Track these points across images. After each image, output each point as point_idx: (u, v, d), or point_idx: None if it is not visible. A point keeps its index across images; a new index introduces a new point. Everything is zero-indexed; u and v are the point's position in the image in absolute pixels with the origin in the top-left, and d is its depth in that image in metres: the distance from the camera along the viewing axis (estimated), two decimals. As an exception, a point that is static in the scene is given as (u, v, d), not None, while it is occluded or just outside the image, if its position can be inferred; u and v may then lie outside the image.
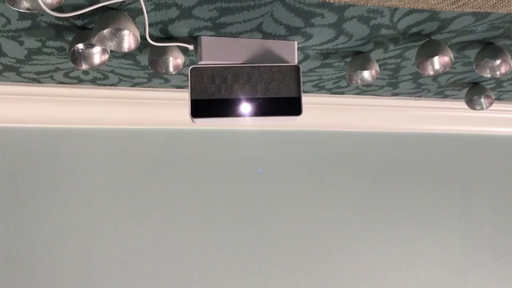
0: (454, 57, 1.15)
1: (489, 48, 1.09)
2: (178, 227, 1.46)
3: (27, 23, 0.91)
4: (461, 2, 0.52)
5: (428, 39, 1.05)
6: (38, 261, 1.35)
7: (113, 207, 1.42)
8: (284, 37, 1.02)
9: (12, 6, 0.74)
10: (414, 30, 1.00)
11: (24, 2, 0.74)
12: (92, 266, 1.38)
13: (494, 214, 1.74)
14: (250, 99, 1.00)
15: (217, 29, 0.97)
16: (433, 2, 0.52)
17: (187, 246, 1.46)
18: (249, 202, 1.53)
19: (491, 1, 0.52)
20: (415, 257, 1.64)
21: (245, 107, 1.00)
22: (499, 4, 0.54)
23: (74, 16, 0.84)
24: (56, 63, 1.15)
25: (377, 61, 1.18)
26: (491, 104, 1.39)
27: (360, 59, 1.13)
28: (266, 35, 1.01)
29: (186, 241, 1.46)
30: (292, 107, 1.01)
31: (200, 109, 0.99)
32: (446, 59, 1.06)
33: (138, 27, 0.91)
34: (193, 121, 1.01)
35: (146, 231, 1.43)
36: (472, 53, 1.16)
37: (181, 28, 0.96)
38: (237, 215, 1.51)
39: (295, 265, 1.53)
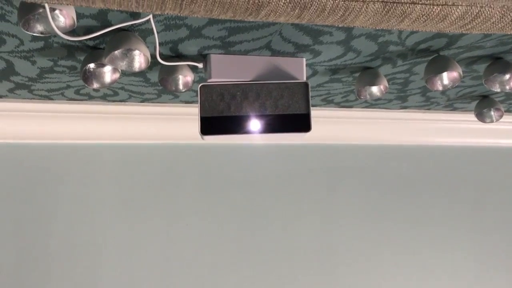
0: (462, 71, 1.15)
1: (498, 63, 1.09)
2: (188, 241, 1.46)
3: (39, 44, 0.93)
4: (470, 26, 0.53)
5: (437, 54, 1.05)
6: (47, 276, 1.35)
7: (123, 221, 1.43)
8: (292, 54, 1.03)
9: (26, 30, 0.75)
10: (422, 46, 1.00)
11: (38, 26, 0.75)
12: (101, 281, 1.39)
13: (504, 226, 1.72)
14: (259, 116, 1.01)
15: (226, 47, 0.98)
16: (441, 26, 0.53)
17: (197, 260, 1.46)
18: (259, 215, 1.53)
19: (499, 24, 0.53)
20: (426, 269, 1.62)
21: (255, 124, 1.01)
22: (508, 26, 0.54)
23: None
24: (67, 81, 1.16)
25: (386, 76, 1.19)
26: (501, 116, 1.38)
27: (368, 74, 1.13)
28: (275, 53, 1.02)
29: (196, 255, 1.46)
30: (301, 123, 1.02)
31: (209, 126, 1.00)
32: (455, 74, 1.06)
33: (148, 47, 0.92)
34: (202, 138, 1.01)
35: (156, 245, 1.44)
36: (481, 67, 1.15)
37: (190, 47, 0.97)
38: (247, 228, 1.51)
39: (305, 278, 1.52)
